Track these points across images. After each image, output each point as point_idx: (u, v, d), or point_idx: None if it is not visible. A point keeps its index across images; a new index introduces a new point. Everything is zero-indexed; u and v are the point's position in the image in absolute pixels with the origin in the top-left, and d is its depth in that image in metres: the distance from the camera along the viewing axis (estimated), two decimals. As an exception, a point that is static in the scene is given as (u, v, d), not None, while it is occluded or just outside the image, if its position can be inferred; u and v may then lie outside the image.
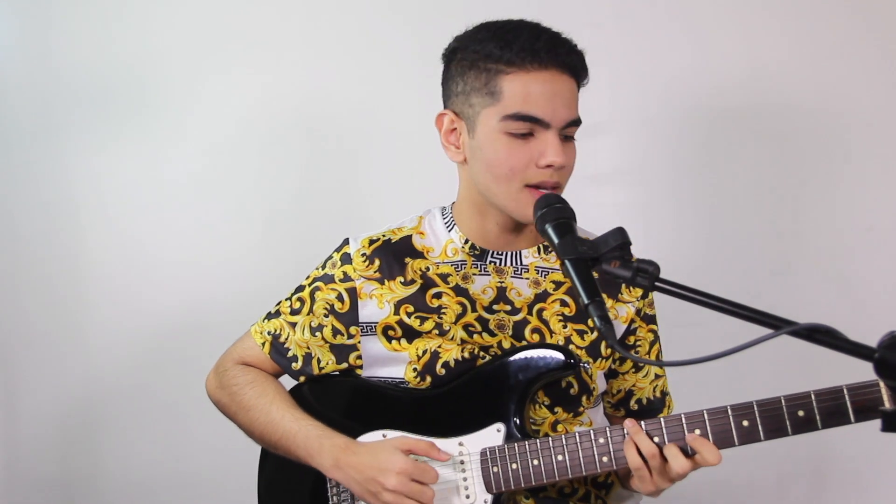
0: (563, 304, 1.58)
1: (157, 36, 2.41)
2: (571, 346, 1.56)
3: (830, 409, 1.32)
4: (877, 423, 1.19)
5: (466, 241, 1.61)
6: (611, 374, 1.64)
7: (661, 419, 1.41)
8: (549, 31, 1.49)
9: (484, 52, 1.47)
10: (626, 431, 1.41)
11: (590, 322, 1.53)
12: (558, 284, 1.60)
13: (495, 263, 1.60)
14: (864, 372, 1.12)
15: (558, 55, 1.46)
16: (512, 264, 1.61)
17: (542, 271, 1.61)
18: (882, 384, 1.29)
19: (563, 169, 1.50)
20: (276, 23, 2.39)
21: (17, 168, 2.45)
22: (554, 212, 1.31)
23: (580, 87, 1.54)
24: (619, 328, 1.61)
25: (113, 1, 2.42)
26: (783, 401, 1.35)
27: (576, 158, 1.54)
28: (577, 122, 1.51)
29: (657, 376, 1.67)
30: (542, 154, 1.47)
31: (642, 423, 1.42)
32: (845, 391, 1.32)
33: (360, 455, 1.49)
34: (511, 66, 1.45)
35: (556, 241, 1.26)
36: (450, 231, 1.63)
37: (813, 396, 1.33)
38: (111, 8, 2.42)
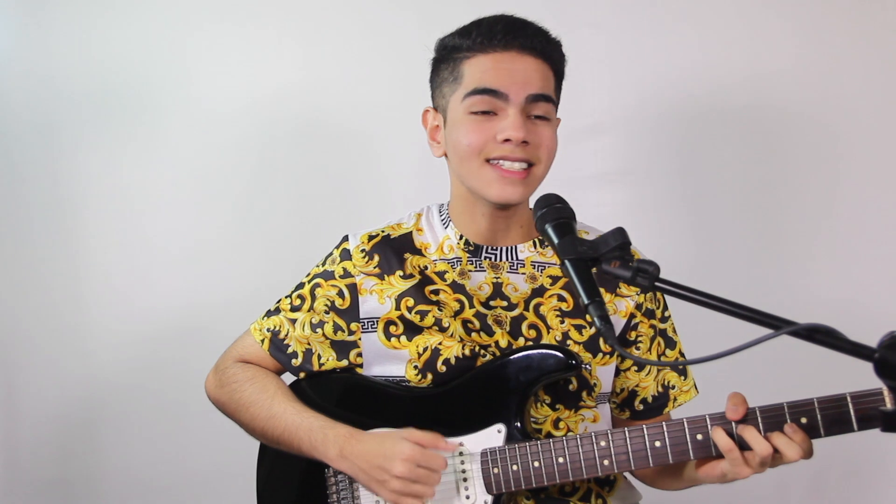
0: (561, 299, 1.58)
1: (156, 36, 2.40)
2: (569, 342, 1.56)
3: (833, 417, 1.31)
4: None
5: (461, 238, 1.61)
6: (615, 372, 1.63)
7: (664, 424, 1.41)
8: (512, 19, 1.55)
9: (451, 46, 1.56)
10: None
11: (588, 318, 1.53)
12: (555, 279, 1.60)
13: (490, 259, 1.61)
14: (864, 372, 1.12)
15: (517, 37, 1.51)
16: (507, 259, 1.61)
17: (539, 266, 1.61)
18: (885, 390, 1.27)
19: (529, 146, 1.50)
20: (274, 23, 2.39)
21: (16, 168, 2.45)
22: (554, 212, 1.31)
23: (558, 71, 1.57)
24: (619, 323, 1.60)
25: (112, 2, 2.42)
26: (786, 407, 1.34)
27: (554, 141, 1.55)
28: (544, 99, 1.52)
29: (659, 371, 1.65)
30: (501, 129, 1.50)
31: (644, 427, 1.42)
32: (849, 399, 1.31)
33: (365, 443, 1.49)
34: (471, 51, 1.53)
35: (555, 241, 1.27)
36: (446, 228, 1.63)
37: (816, 404, 1.32)
38: (111, 9, 2.42)
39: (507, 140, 1.49)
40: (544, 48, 1.52)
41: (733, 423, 1.36)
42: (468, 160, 1.52)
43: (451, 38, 1.57)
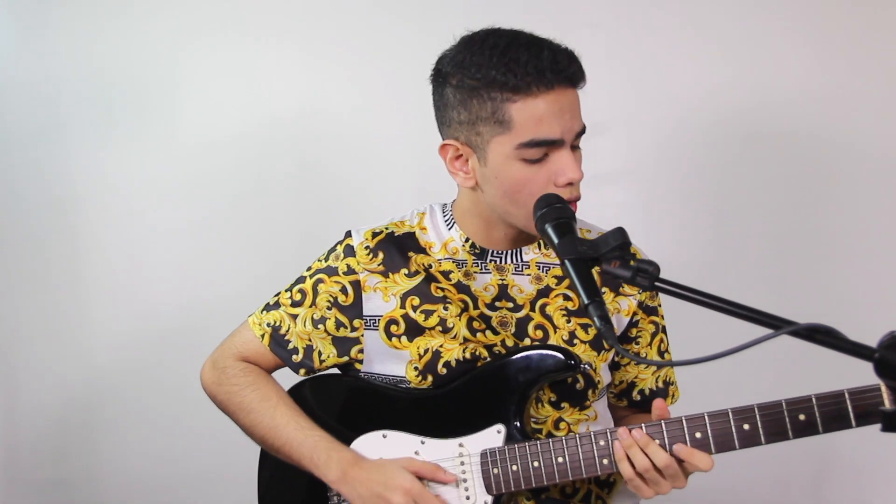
0: (566, 298, 1.58)
1: (156, 37, 2.41)
2: (576, 341, 1.56)
3: (832, 414, 1.31)
4: (876, 424, 1.19)
5: (467, 240, 1.60)
6: (613, 366, 1.65)
7: (662, 422, 1.41)
8: (546, 45, 1.43)
9: (485, 80, 1.41)
10: (614, 439, 1.40)
11: None
12: (560, 279, 1.60)
13: (496, 262, 1.60)
14: (864, 372, 1.12)
15: (562, 71, 1.41)
16: (512, 261, 1.60)
17: (544, 266, 1.61)
18: (883, 386, 1.28)
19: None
20: (274, 23, 2.39)
21: (15, 168, 2.45)
22: (554, 212, 1.31)
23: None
24: (622, 322, 1.60)
25: (112, 2, 2.42)
26: (784, 404, 1.34)
27: None
28: (584, 131, 1.49)
29: (660, 367, 1.66)
30: (560, 173, 1.44)
31: (641, 427, 1.41)
32: (846, 395, 1.31)
33: (367, 470, 1.50)
34: (517, 92, 1.40)
35: (556, 241, 1.26)
36: (450, 229, 1.62)
37: (814, 400, 1.32)
38: (111, 10, 2.42)
39: (569, 183, 1.45)
40: (578, 75, 1.45)
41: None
42: (525, 205, 1.44)
43: (479, 68, 1.42)
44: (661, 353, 1.65)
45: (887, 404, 1.27)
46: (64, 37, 2.43)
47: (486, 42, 1.45)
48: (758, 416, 1.35)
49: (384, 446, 1.54)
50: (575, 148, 1.48)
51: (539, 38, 1.45)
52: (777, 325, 1.07)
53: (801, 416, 1.33)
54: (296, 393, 1.66)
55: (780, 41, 2.24)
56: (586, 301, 1.16)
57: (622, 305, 1.60)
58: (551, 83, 1.41)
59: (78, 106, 2.42)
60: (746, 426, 1.36)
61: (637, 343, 1.63)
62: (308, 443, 1.54)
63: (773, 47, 2.25)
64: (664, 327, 1.67)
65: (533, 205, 1.42)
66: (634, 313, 1.61)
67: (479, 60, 1.43)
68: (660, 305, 1.66)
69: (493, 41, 1.44)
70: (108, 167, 2.42)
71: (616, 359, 1.64)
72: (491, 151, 1.45)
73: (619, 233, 1.19)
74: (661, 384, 1.67)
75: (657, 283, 1.14)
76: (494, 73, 1.41)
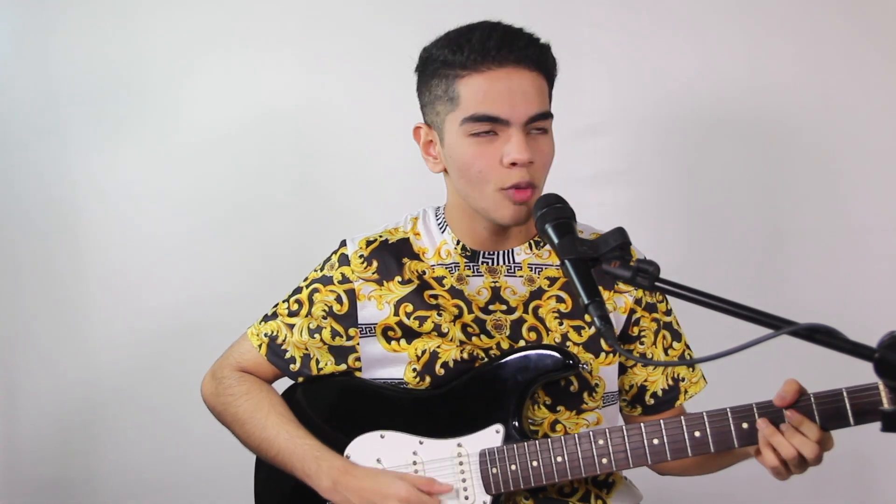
0: (559, 300, 1.58)
1: (155, 36, 2.40)
2: (568, 343, 1.55)
3: (830, 412, 1.31)
4: (877, 424, 1.19)
5: (458, 243, 1.61)
6: (621, 370, 1.62)
7: (661, 422, 1.41)
8: (504, 28, 1.48)
9: (441, 60, 1.48)
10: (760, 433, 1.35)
11: (587, 318, 1.51)
12: (553, 280, 1.59)
13: (488, 263, 1.60)
14: (864, 372, 1.12)
15: (512, 51, 1.45)
16: (504, 263, 1.60)
17: (536, 268, 1.60)
18: (881, 385, 1.28)
19: (533, 165, 1.47)
20: (273, 23, 2.39)
21: (16, 168, 2.45)
22: (554, 212, 1.31)
23: (551, 79, 1.53)
24: (619, 319, 1.59)
25: (113, 3, 2.42)
26: None
27: (553, 151, 1.52)
28: (545, 116, 1.49)
29: (656, 366, 1.63)
30: (505, 153, 1.46)
31: (642, 425, 1.41)
32: (845, 394, 1.31)
33: (359, 478, 1.49)
34: (464, 69, 1.46)
35: (555, 241, 1.26)
36: (443, 232, 1.63)
37: (812, 399, 1.33)
38: (110, 9, 2.42)
39: (513, 164, 1.46)
40: (538, 58, 1.48)
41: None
42: (479, 185, 1.49)
43: (439, 49, 1.50)
44: (665, 351, 1.63)
45: (886, 404, 1.27)
46: (64, 37, 2.42)
47: (456, 29, 1.52)
48: (756, 415, 1.35)
49: (382, 447, 1.54)
50: (540, 132, 1.49)
51: (505, 25, 1.50)
52: (777, 325, 1.07)
53: None
54: (291, 395, 1.66)
55: (783, 43, 2.24)
56: (587, 301, 1.16)
57: (618, 303, 1.59)
58: (500, 61, 1.45)
59: (78, 106, 2.42)
60: (745, 425, 1.36)
61: (642, 343, 1.61)
62: (298, 452, 1.55)
63: (776, 49, 2.24)
64: (667, 323, 1.64)
65: (487, 187, 1.47)
66: (632, 310, 1.60)
67: (442, 44, 1.51)
68: (660, 301, 1.63)
69: (460, 28, 1.51)
70: (108, 167, 2.42)
71: (621, 360, 1.62)
72: (446, 131, 1.51)
73: (619, 233, 1.19)
74: (670, 381, 1.63)
75: (657, 284, 1.14)
76: (447, 52, 1.48)
